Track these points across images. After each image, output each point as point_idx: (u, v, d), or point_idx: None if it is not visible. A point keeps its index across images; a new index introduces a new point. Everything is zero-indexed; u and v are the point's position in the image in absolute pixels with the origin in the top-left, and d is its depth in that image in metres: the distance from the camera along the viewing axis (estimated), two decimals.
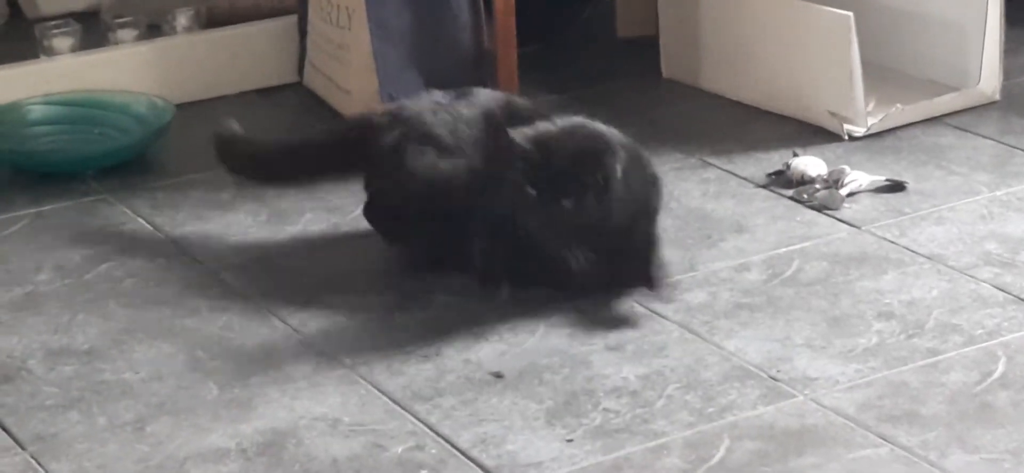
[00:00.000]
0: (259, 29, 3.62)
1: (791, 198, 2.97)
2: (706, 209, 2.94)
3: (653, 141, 3.21)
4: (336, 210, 2.99)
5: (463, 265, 2.63)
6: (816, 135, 3.22)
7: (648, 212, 2.61)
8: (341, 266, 2.78)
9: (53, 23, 3.60)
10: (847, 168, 3.00)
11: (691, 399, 2.33)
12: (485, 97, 2.77)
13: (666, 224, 2.88)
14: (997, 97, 3.36)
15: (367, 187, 2.78)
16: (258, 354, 2.50)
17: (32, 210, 3.04)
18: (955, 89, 3.33)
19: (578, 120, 2.60)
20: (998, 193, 2.96)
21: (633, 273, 2.58)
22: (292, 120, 3.47)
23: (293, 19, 3.60)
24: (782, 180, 3.03)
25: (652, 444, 2.23)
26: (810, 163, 3.03)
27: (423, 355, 2.47)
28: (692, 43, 3.51)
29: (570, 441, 2.24)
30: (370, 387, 2.40)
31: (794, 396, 2.33)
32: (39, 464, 2.24)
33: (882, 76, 3.39)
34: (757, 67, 3.37)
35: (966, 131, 3.23)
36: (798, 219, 2.89)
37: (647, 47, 3.60)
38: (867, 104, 3.23)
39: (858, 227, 2.85)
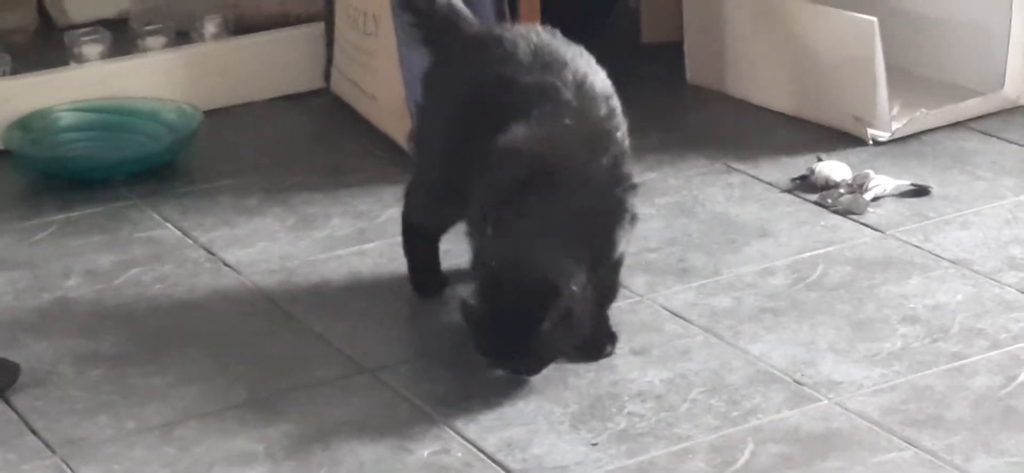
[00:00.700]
0: (286, 36, 3.64)
1: (815, 203, 2.98)
2: (731, 214, 2.95)
3: (678, 146, 3.22)
4: (363, 215, 3.01)
5: None
6: (840, 140, 3.22)
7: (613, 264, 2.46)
8: (367, 271, 2.79)
9: (83, 30, 3.62)
10: (871, 173, 3.01)
11: (716, 403, 2.34)
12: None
13: (691, 230, 2.89)
14: (1022, 101, 3.35)
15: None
16: (285, 358, 2.52)
17: (62, 216, 3.06)
18: (980, 94, 3.33)
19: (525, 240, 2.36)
20: (1023, 197, 2.96)
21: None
22: (319, 126, 3.49)
23: (320, 25, 3.61)
24: (806, 185, 3.04)
25: (677, 448, 2.23)
26: (834, 168, 3.03)
27: (449, 359, 2.48)
28: (717, 48, 3.51)
29: (595, 445, 2.25)
30: (396, 391, 2.41)
31: (819, 400, 2.34)
32: (69, 467, 2.26)
33: (906, 81, 3.39)
34: (782, 72, 3.38)
35: (991, 135, 3.23)
36: (822, 224, 2.90)
37: (672, 52, 3.60)
38: (891, 109, 3.23)
39: (882, 232, 2.86)
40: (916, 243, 2.80)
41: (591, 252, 2.37)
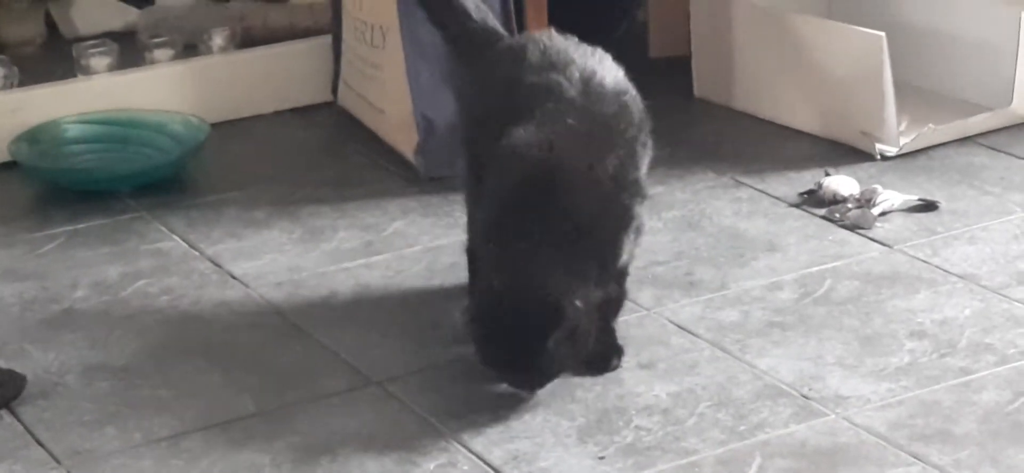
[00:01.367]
0: (293, 49, 3.64)
1: (823, 217, 2.97)
2: (738, 228, 2.95)
3: (686, 160, 3.22)
4: (370, 228, 3.01)
5: None
6: (848, 154, 3.22)
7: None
8: (374, 284, 2.79)
9: (90, 43, 3.63)
10: (879, 187, 3.00)
11: (723, 417, 2.33)
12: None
13: (699, 243, 2.89)
14: None
15: None
16: (292, 370, 2.52)
17: (69, 227, 3.06)
18: (988, 109, 3.33)
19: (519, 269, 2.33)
20: None
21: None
22: (326, 139, 3.49)
23: (327, 38, 3.62)
24: (814, 199, 3.03)
25: (683, 462, 2.23)
26: (842, 182, 3.03)
27: (456, 372, 2.48)
28: (724, 63, 3.51)
29: (602, 458, 2.25)
30: (403, 403, 2.41)
31: (826, 415, 2.33)
32: None
33: (914, 96, 3.39)
34: (789, 87, 3.38)
35: (999, 151, 3.23)
36: (830, 238, 2.89)
37: (680, 67, 3.60)
38: (899, 124, 3.23)
39: (890, 246, 2.85)
40: (924, 258, 2.80)
41: (595, 263, 2.35)
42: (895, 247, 2.85)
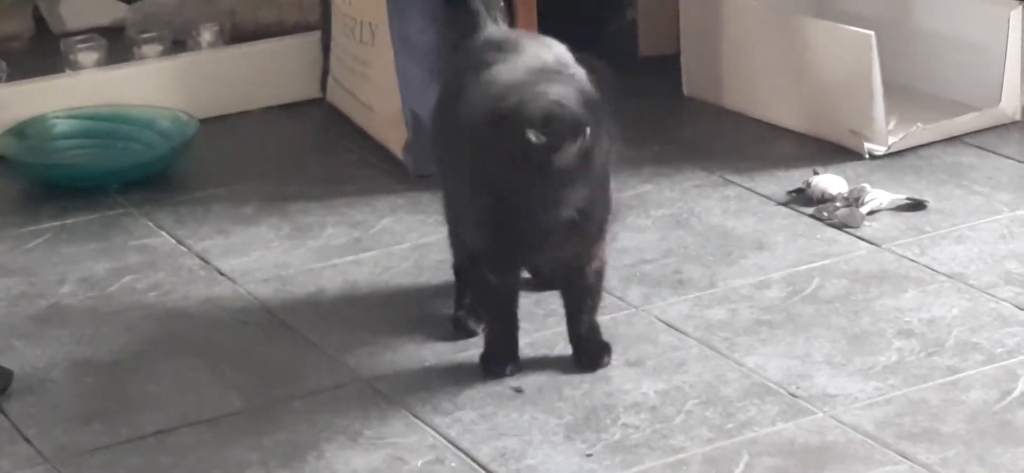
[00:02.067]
0: (282, 45, 3.64)
1: (811, 216, 2.97)
2: (727, 226, 2.95)
3: (674, 158, 3.22)
4: (358, 225, 3.01)
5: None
6: (837, 153, 3.22)
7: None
8: (362, 280, 2.79)
9: (79, 38, 3.62)
10: (867, 186, 3.01)
11: (710, 415, 2.33)
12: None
13: (687, 242, 2.89)
14: (1018, 117, 3.36)
15: None
16: (279, 367, 2.51)
17: (57, 223, 3.06)
18: (976, 109, 3.33)
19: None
20: (1019, 212, 2.96)
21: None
22: (315, 135, 3.49)
23: (316, 35, 3.61)
24: (803, 198, 3.04)
25: (671, 459, 2.23)
26: (831, 181, 3.03)
27: (443, 369, 2.48)
28: (713, 61, 3.51)
29: (589, 456, 2.24)
30: (391, 400, 2.41)
31: (814, 413, 2.34)
32: None
33: (903, 95, 3.40)
34: (778, 85, 3.38)
35: (987, 151, 3.24)
36: (818, 237, 2.90)
37: (669, 65, 3.60)
38: (888, 123, 3.23)
39: (878, 245, 2.86)
40: (912, 257, 2.80)
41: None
42: (883, 246, 2.85)
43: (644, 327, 2.59)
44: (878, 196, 2.99)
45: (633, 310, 2.64)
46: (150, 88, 3.47)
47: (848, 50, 3.23)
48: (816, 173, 3.08)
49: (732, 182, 3.14)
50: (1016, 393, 2.36)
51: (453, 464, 2.24)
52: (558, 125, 2.26)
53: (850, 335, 2.54)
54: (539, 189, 2.29)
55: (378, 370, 2.49)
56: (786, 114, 3.37)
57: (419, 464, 2.24)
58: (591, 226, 2.38)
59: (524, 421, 2.33)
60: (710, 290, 2.71)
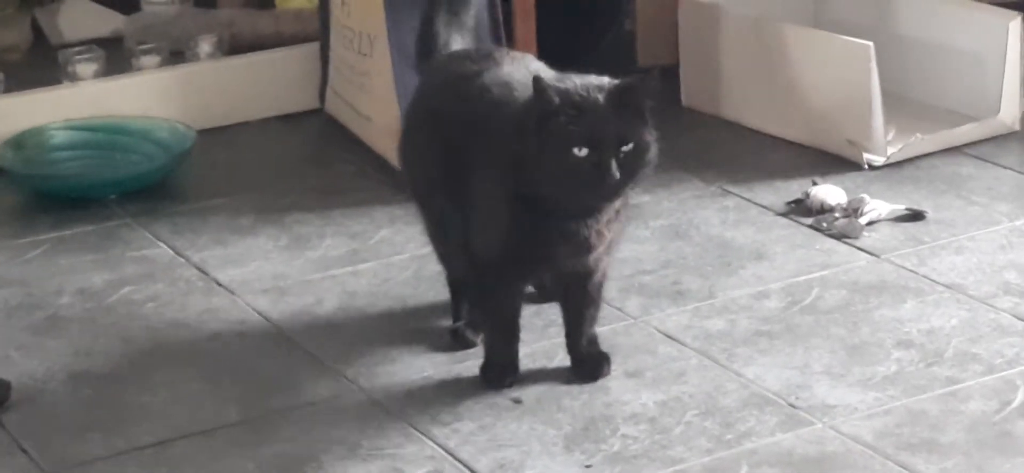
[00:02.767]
0: (281, 56, 3.64)
1: (810, 226, 2.97)
2: (726, 237, 2.95)
3: (673, 169, 3.22)
4: (357, 236, 3.00)
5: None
6: (835, 164, 3.22)
7: None
8: (361, 291, 2.78)
9: (77, 49, 3.62)
10: (866, 197, 3.00)
11: (710, 426, 2.33)
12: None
13: (686, 252, 2.89)
14: (1017, 127, 3.36)
15: None
16: (278, 378, 2.51)
17: (54, 234, 3.05)
18: (975, 119, 3.33)
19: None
20: (1018, 223, 2.96)
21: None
22: (313, 146, 3.49)
23: (315, 46, 3.61)
24: (801, 208, 3.03)
25: (670, 470, 2.23)
26: (830, 192, 3.03)
27: (442, 380, 2.48)
28: (712, 72, 3.51)
29: (589, 467, 2.24)
30: (389, 411, 2.40)
31: (813, 424, 2.33)
32: None
33: (902, 106, 3.40)
34: (777, 96, 3.38)
35: (986, 161, 3.23)
36: (817, 247, 2.89)
37: (667, 75, 3.60)
38: (887, 134, 3.23)
39: (877, 256, 2.85)
40: (911, 267, 2.80)
41: None
42: (882, 257, 2.85)
43: (643, 338, 2.59)
44: (877, 207, 2.98)
45: (632, 321, 2.64)
46: (148, 99, 3.47)
47: (847, 61, 3.23)
48: (815, 183, 3.08)
49: (731, 192, 3.14)
50: (1015, 403, 2.36)
51: None
52: (631, 95, 2.29)
53: (849, 346, 2.54)
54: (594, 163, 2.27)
55: (376, 381, 2.48)
56: (785, 125, 3.37)
57: None
58: (618, 226, 2.39)
59: (523, 432, 2.33)
60: (709, 301, 2.70)
